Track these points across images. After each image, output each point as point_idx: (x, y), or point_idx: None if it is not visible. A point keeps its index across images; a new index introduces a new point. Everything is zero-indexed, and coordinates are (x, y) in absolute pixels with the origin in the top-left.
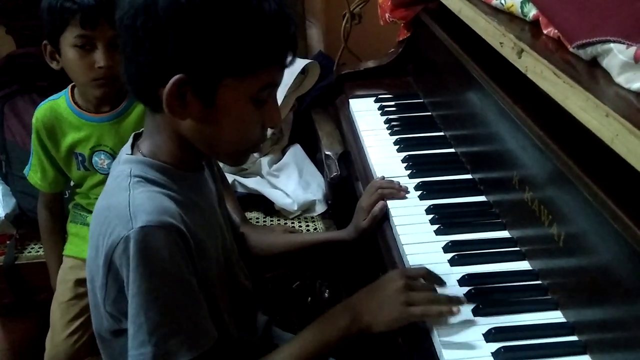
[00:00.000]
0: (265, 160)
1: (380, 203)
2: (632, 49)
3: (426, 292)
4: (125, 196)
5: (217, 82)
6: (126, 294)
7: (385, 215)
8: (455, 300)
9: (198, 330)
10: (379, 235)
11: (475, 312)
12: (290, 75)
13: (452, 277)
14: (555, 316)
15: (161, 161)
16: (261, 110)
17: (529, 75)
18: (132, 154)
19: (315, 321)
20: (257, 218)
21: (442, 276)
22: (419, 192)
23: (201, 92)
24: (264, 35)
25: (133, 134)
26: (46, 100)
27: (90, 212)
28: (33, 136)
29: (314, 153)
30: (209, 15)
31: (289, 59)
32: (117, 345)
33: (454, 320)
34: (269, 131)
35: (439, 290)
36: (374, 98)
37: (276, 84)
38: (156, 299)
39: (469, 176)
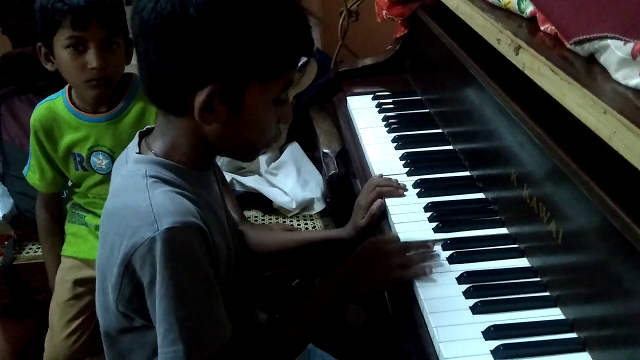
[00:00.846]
0: (263, 159)
1: (379, 201)
2: (630, 45)
3: (402, 256)
4: (145, 197)
5: (244, 88)
6: (146, 294)
7: (383, 213)
8: (427, 250)
9: (221, 323)
10: (378, 234)
11: (474, 310)
12: None
13: (450, 275)
14: (554, 313)
15: (174, 161)
16: (278, 109)
17: (526, 72)
18: (140, 153)
19: (304, 303)
20: (256, 216)
21: (441, 274)
22: (417, 190)
23: (228, 98)
24: (288, 40)
25: (138, 132)
26: (44, 100)
27: (89, 211)
28: (31, 137)
29: (312, 151)
30: (240, 23)
31: (304, 58)
32: (125, 342)
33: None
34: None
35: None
36: (372, 95)
37: (293, 83)
38: (185, 298)
39: (467, 173)
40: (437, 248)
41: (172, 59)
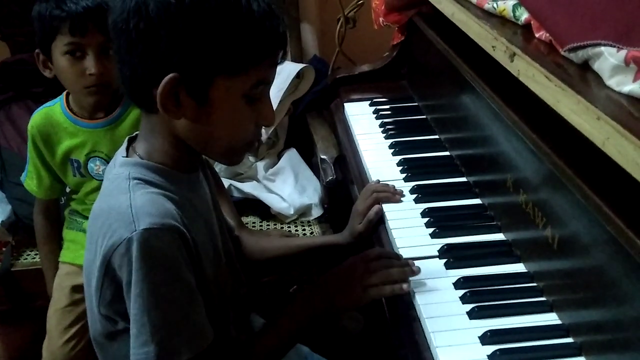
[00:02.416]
0: (261, 165)
1: (376, 207)
2: (623, 52)
3: (381, 272)
4: (126, 198)
5: (210, 81)
6: (124, 295)
7: (380, 218)
8: (408, 265)
9: (197, 329)
10: (375, 239)
11: (471, 315)
12: (285, 79)
13: (447, 280)
14: (550, 318)
15: (157, 162)
16: (254, 108)
17: (521, 79)
18: (127, 157)
19: (286, 309)
20: (254, 222)
21: (437, 280)
22: (414, 196)
23: (194, 91)
24: (253, 34)
25: (127, 137)
26: (41, 107)
27: (87, 218)
28: (29, 143)
29: (309, 157)
30: (199, 15)
31: (280, 55)
32: (113, 349)
33: (441, 312)
34: (264, 134)
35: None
36: (369, 102)
37: (268, 82)
38: (159, 300)
39: (463, 179)
40: (433, 251)
41: (137, 52)
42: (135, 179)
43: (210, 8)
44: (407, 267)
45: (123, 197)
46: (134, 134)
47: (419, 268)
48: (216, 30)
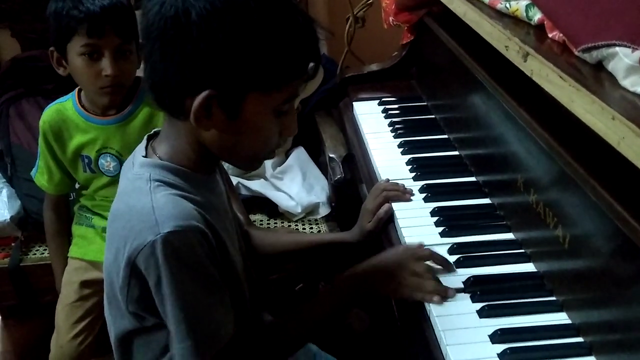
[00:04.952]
0: (269, 163)
1: (386, 205)
2: (638, 53)
3: (423, 277)
4: (148, 200)
5: (243, 96)
6: (153, 294)
7: (390, 217)
8: (449, 290)
9: (228, 320)
10: (384, 238)
11: (481, 314)
12: None
13: (457, 279)
14: (560, 318)
15: (178, 164)
16: (281, 121)
17: (535, 79)
18: (146, 157)
19: (327, 290)
20: (261, 220)
21: (448, 278)
22: (423, 195)
23: (227, 104)
24: (291, 53)
25: (146, 135)
26: (53, 102)
27: (96, 213)
28: (40, 138)
29: (317, 156)
30: (242, 31)
31: (312, 70)
32: (136, 345)
33: (451, 308)
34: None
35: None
36: (378, 101)
37: (297, 95)
38: (189, 297)
39: (473, 179)
40: (443, 250)
41: (173, 61)
42: (155, 180)
43: (253, 24)
44: (443, 286)
45: (145, 198)
46: (152, 132)
47: (454, 293)
48: (257, 46)
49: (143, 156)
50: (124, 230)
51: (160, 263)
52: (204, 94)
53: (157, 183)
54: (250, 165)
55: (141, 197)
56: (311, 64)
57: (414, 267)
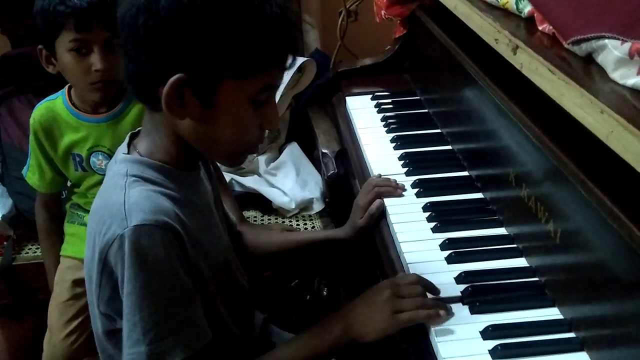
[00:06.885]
0: (262, 159)
1: (377, 201)
2: (627, 45)
3: (414, 297)
4: (121, 195)
5: (217, 83)
6: (120, 293)
7: (382, 213)
8: (442, 305)
9: (192, 329)
10: (376, 234)
11: (472, 310)
12: (286, 73)
13: (449, 275)
14: (552, 313)
15: (158, 160)
16: (259, 112)
17: (524, 72)
18: (128, 153)
19: (308, 330)
20: (255, 217)
21: (439, 274)
22: (415, 190)
23: (200, 92)
24: (264, 38)
25: (129, 133)
26: (43, 100)
27: (88, 211)
28: (31, 137)
29: (311, 151)
30: (211, 16)
31: (289, 61)
32: (111, 347)
33: (446, 321)
34: (266, 133)
35: (435, 292)
36: (371, 95)
37: (275, 86)
38: (151, 298)
39: (465, 173)
40: (435, 246)
41: (144, 50)
42: (132, 176)
43: (222, 9)
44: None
45: (118, 193)
46: (137, 130)
47: (451, 310)
48: (227, 32)
49: (124, 153)
50: (98, 226)
51: (125, 257)
52: (174, 78)
53: (133, 178)
54: (232, 160)
55: (116, 193)
56: (288, 55)
57: (399, 290)
